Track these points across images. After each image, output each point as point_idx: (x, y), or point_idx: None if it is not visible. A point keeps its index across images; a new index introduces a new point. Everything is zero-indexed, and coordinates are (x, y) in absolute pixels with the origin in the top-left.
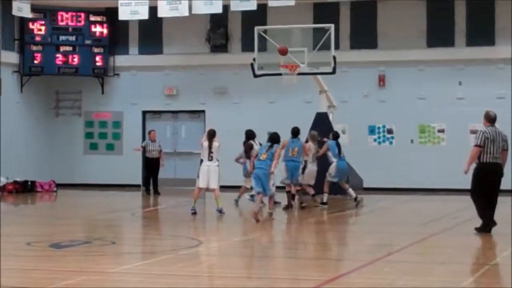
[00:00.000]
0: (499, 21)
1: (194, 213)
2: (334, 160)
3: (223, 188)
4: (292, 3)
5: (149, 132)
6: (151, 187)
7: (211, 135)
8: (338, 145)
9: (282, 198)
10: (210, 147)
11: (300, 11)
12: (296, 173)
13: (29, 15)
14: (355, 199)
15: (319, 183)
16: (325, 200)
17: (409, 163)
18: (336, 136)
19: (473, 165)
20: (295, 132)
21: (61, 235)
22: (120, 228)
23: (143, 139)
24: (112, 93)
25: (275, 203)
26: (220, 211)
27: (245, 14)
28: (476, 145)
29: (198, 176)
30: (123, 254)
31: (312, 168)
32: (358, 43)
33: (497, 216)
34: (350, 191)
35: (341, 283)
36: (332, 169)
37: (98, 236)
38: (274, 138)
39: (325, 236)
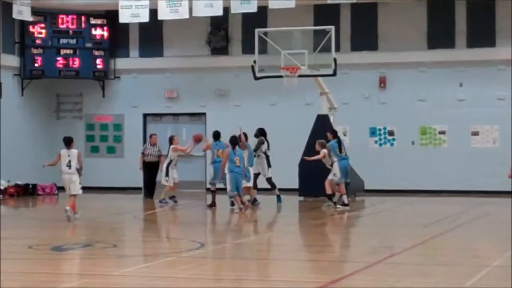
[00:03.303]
0: (499, 23)
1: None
2: (335, 160)
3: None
4: (293, 5)
5: (150, 136)
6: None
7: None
8: (339, 142)
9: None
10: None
11: (301, 13)
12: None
13: (30, 18)
14: (344, 204)
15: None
16: (345, 200)
17: (411, 165)
18: (334, 135)
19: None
20: (217, 135)
21: (62, 238)
22: (122, 230)
23: (144, 141)
24: (113, 96)
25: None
26: (160, 202)
27: (246, 16)
28: None
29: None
30: (125, 257)
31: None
32: (358, 45)
33: (501, 218)
34: (344, 197)
35: (342, 285)
36: (335, 169)
37: (100, 239)
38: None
39: (326, 238)
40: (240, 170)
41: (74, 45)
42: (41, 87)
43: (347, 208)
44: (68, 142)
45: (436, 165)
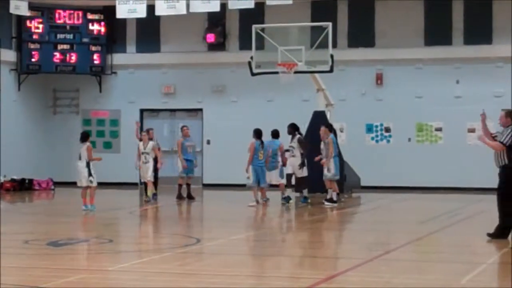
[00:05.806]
0: (496, 20)
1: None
2: (332, 155)
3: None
4: (290, 1)
5: (147, 131)
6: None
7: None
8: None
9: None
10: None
11: (298, 9)
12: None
13: (27, 13)
14: (332, 200)
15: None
16: (334, 198)
17: (407, 161)
18: (330, 129)
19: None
20: (275, 134)
21: (59, 233)
22: (118, 226)
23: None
24: (109, 91)
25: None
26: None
27: (243, 12)
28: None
29: None
30: (121, 252)
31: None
32: (356, 42)
33: (496, 215)
34: (334, 194)
35: (337, 282)
36: (331, 164)
37: (96, 234)
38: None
39: (322, 234)
40: (261, 163)
41: (71, 40)
42: (38, 82)
43: (335, 205)
44: (82, 138)
45: (432, 162)
